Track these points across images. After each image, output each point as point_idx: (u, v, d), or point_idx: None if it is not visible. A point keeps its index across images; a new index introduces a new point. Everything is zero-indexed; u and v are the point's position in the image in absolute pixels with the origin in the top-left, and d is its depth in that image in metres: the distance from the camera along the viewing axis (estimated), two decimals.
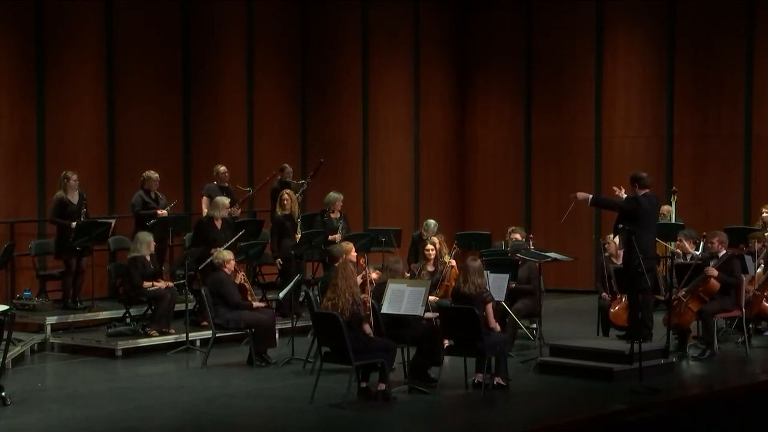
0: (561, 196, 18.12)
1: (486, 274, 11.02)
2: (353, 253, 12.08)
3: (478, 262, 10.77)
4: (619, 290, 12.26)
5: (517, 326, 12.05)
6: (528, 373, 11.32)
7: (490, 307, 10.57)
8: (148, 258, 12.90)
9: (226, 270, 12.06)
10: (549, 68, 18.33)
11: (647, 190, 11.63)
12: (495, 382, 10.49)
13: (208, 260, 12.81)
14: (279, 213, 14.17)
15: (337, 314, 9.99)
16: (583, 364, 11.14)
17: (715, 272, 11.99)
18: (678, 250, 13.29)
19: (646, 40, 17.73)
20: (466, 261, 10.86)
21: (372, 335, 10.23)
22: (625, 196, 11.81)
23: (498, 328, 10.72)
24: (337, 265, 10.96)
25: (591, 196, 11.83)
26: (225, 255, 12.21)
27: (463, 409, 10.33)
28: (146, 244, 12.88)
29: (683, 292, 12.08)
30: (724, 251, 12.29)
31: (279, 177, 15.14)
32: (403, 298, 10.49)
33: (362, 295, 10.33)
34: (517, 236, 13.56)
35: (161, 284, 12.85)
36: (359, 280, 10.64)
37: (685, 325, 12.13)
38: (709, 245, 12.40)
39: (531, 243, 13.59)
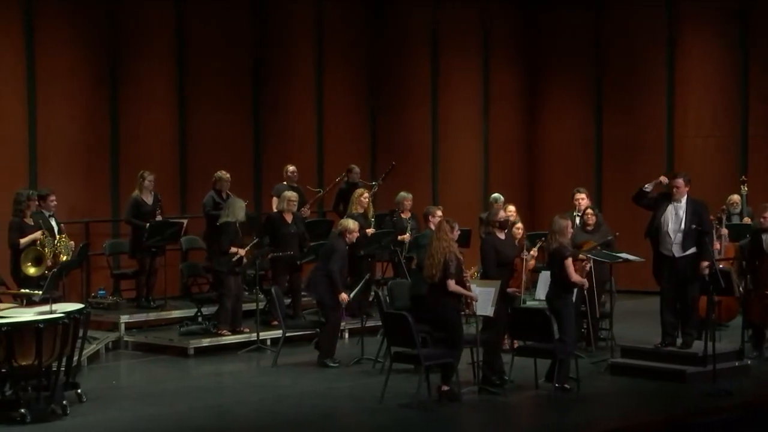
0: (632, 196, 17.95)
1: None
2: (439, 213, 12.19)
3: (565, 222, 10.67)
4: None
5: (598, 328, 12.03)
6: (599, 375, 11.23)
7: (569, 261, 10.41)
8: (238, 225, 12.80)
9: (347, 238, 12.08)
10: (620, 67, 18.13)
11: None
12: (557, 385, 10.27)
13: (278, 254, 12.93)
14: (354, 212, 14.19)
15: (406, 314, 10.00)
16: (655, 366, 11.03)
17: None
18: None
19: (719, 38, 17.44)
20: (554, 218, 10.76)
21: (460, 290, 9.99)
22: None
23: (581, 281, 10.55)
24: (433, 227, 11.29)
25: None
26: (349, 224, 12.19)
27: (533, 411, 10.29)
28: (242, 209, 12.80)
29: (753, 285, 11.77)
30: None
31: (347, 178, 15.18)
32: None
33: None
34: None
35: (243, 252, 12.71)
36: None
37: None
38: (762, 220, 11.90)
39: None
